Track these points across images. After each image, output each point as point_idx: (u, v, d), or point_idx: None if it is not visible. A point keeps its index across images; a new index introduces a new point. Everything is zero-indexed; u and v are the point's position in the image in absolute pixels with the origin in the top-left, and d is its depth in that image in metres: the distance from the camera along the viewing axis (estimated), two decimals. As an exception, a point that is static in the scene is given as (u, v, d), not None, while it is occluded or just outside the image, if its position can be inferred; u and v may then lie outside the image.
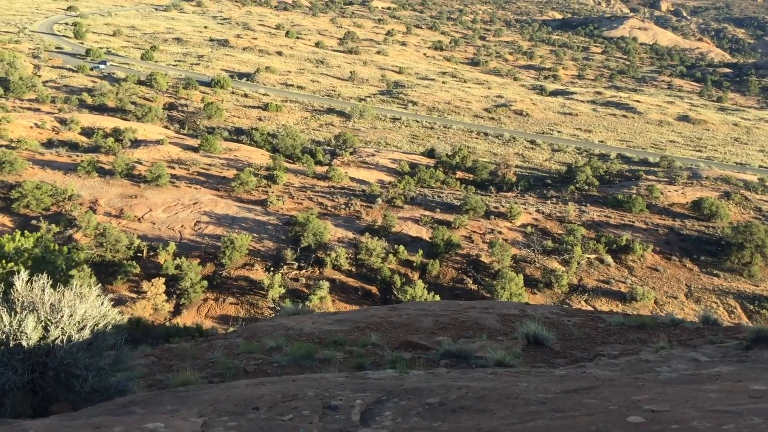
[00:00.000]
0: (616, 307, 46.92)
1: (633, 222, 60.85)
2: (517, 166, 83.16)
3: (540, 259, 51.96)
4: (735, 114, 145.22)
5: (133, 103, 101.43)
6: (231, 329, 35.64)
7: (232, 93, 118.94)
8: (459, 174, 77.66)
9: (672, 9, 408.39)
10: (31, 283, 8.66)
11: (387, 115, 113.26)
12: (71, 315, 8.43)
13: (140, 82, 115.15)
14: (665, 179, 76.19)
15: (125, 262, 45.68)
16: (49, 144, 73.63)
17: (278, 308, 42.38)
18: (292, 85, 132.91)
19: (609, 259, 53.17)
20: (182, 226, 52.74)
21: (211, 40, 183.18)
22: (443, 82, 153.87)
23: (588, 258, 52.76)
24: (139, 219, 53.50)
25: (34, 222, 50.61)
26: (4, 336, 8.17)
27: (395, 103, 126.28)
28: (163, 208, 55.56)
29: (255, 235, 51.44)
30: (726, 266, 53.94)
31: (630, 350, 11.28)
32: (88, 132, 79.93)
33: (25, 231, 20.00)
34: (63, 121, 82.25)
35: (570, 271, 50.23)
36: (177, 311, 42.22)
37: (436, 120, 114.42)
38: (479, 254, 51.48)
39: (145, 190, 58.96)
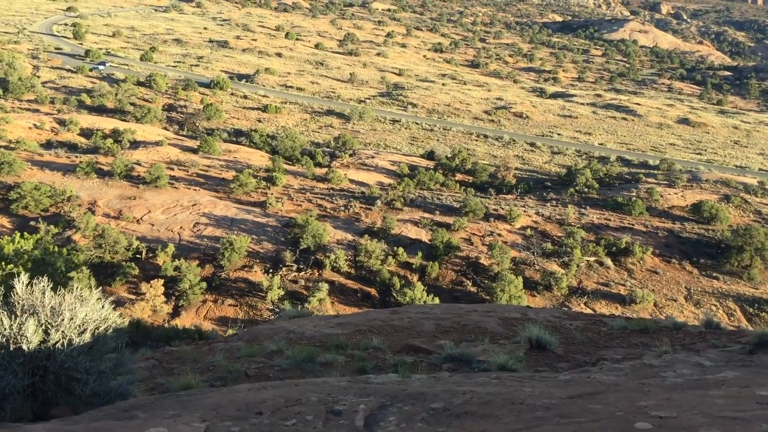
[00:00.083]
0: (615, 309, 46.89)
1: (633, 225, 60.83)
2: (516, 169, 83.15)
3: (539, 261, 51.93)
4: (735, 117, 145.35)
5: (132, 104, 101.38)
6: (230, 331, 35.60)
7: (232, 94, 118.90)
8: (458, 176, 77.64)
9: (672, 12, 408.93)
10: (32, 286, 8.59)
11: (387, 117, 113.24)
12: (72, 318, 8.36)
13: (139, 83, 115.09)
14: (665, 182, 76.19)
15: (124, 263, 45.62)
16: (48, 145, 73.56)
17: (277, 310, 42.34)
18: (291, 87, 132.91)
19: (608, 261, 53.14)
20: (181, 227, 52.68)
21: (211, 41, 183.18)
22: (443, 84, 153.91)
23: (587, 260, 52.73)
24: (138, 220, 53.44)
25: (32, 223, 50.53)
26: (4, 339, 8.10)
27: (395, 105, 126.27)
28: (162, 210, 55.50)
29: (254, 236, 51.38)
30: (726, 269, 53.91)
31: (633, 354, 11.21)
32: (87, 133, 79.87)
33: (25, 233, 19.93)
34: (62, 122, 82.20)
35: (569, 273, 50.20)
36: (176, 313, 42.16)
37: (435, 122, 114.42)
38: (479, 256, 51.44)
39: (144, 191, 58.90)
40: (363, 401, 6.55)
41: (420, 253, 50.45)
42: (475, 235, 55.45)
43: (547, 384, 6.98)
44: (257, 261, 48.54)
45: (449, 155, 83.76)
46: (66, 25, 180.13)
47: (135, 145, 75.45)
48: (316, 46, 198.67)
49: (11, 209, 52.59)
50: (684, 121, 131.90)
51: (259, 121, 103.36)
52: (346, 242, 51.96)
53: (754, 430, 4.88)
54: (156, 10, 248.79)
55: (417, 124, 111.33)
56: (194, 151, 75.10)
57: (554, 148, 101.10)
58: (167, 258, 46.83)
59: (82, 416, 6.87)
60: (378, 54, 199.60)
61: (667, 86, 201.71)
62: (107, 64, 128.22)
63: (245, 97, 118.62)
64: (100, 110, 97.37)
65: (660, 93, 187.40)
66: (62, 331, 8.32)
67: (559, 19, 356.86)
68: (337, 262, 47.98)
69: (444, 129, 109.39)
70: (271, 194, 61.41)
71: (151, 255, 47.92)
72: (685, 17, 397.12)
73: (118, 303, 40.78)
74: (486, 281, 47.27)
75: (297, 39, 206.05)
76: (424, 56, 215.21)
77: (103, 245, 46.21)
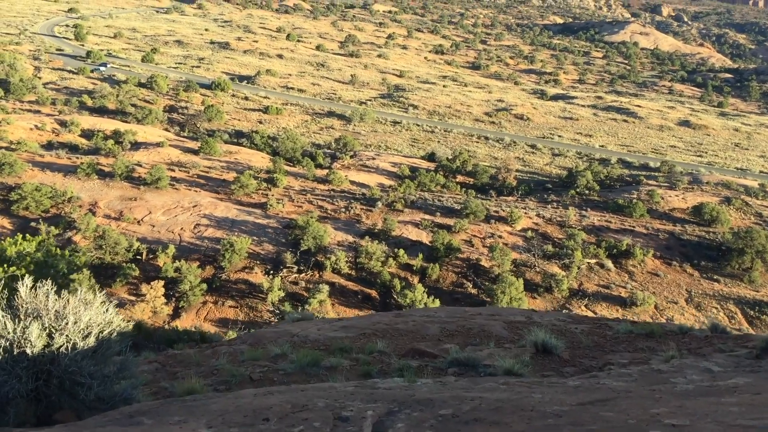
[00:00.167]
0: (616, 312, 46.85)
1: (633, 227, 60.77)
2: (517, 171, 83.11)
3: (540, 263, 51.88)
4: (736, 119, 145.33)
5: (133, 105, 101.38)
6: (230, 333, 35.57)
7: (233, 96, 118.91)
8: (459, 178, 77.60)
9: (673, 14, 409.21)
10: (35, 289, 8.53)
11: (387, 119, 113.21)
12: (76, 322, 8.29)
13: (141, 85, 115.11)
14: (666, 184, 76.13)
15: (124, 264, 45.58)
16: (48, 146, 73.52)
17: (277, 311, 42.30)
18: (292, 88, 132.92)
19: (609, 263, 53.09)
20: (182, 228, 52.64)
21: (212, 42, 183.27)
22: (444, 86, 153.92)
23: (588, 263, 52.67)
24: (138, 221, 53.41)
25: (33, 224, 50.51)
26: (7, 343, 8.03)
27: (396, 107, 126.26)
28: (162, 211, 55.47)
29: (255, 238, 51.33)
30: (726, 272, 53.85)
31: (639, 359, 11.14)
32: (88, 134, 79.85)
33: (27, 235, 19.87)
34: (63, 123, 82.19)
35: (570, 275, 50.15)
36: (176, 314, 42.12)
37: (436, 124, 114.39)
38: (479, 258, 51.39)
39: (145, 192, 58.86)
40: (371, 407, 6.47)
41: (421, 255, 50.40)
42: (476, 237, 55.41)
43: (556, 390, 6.90)
44: (258, 262, 48.49)
45: (450, 157, 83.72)
46: (67, 26, 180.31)
47: (136, 146, 75.42)
48: (317, 47, 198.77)
49: (12, 210, 52.57)
50: (685, 123, 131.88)
51: (260, 122, 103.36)
52: (346, 244, 51.92)
53: (769, 440, 4.82)
54: (157, 12, 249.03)
55: (418, 125, 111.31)
56: (195, 152, 75.08)
57: (555, 150, 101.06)
58: (168, 259, 46.79)
59: (87, 422, 6.81)
60: (379, 56, 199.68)
61: (667, 88, 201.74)
62: (108, 66, 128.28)
63: (246, 98, 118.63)
64: (101, 111, 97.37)
65: (661, 95, 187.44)
66: (66, 335, 8.25)
67: (560, 21, 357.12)
68: (338, 263, 47.93)
69: (445, 131, 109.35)
70: (272, 195, 61.36)
71: (151, 256, 47.88)
72: (685, 19, 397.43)
73: (119, 304, 40.74)
74: (487, 283, 47.22)
75: (298, 40, 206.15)
76: (425, 58, 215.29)
77: (104, 246, 46.17)
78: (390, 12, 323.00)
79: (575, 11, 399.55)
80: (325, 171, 72.48)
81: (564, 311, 45.52)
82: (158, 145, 75.96)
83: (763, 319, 47.78)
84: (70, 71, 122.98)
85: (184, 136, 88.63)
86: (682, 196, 69.63)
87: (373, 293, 46.42)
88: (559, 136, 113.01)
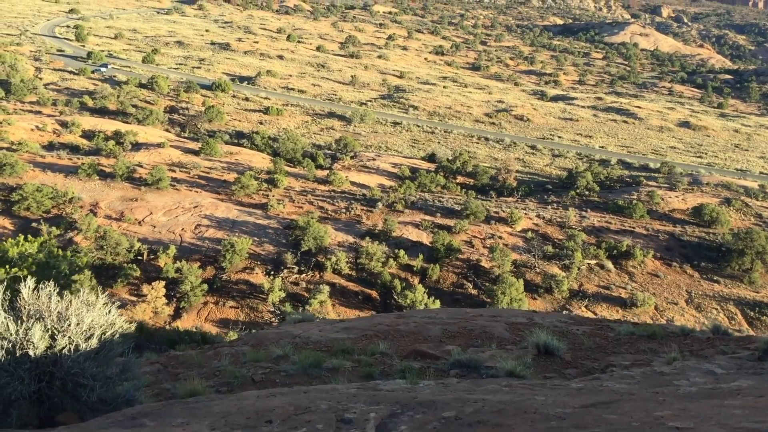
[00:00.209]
0: (616, 313, 46.85)
1: (633, 228, 60.78)
2: (517, 171, 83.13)
3: (540, 264, 51.89)
4: (736, 120, 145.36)
5: (134, 106, 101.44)
6: (231, 333, 35.56)
7: (233, 96, 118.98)
8: (459, 179, 77.62)
9: (673, 15, 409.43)
10: (38, 291, 8.52)
11: (388, 120, 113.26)
12: (79, 324, 8.28)
13: (141, 85, 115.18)
14: (666, 185, 76.12)
15: (125, 265, 45.58)
16: (49, 146, 73.55)
17: (278, 312, 42.31)
18: (293, 89, 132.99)
19: (609, 264, 53.09)
20: (183, 229, 52.66)
21: (213, 43, 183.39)
22: (444, 87, 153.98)
23: (588, 263, 52.68)
24: (139, 222, 53.43)
25: (34, 225, 50.52)
26: (10, 345, 8.01)
27: (396, 108, 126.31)
28: (163, 212, 55.49)
29: (255, 238, 51.33)
30: (726, 273, 53.84)
31: (641, 360, 11.12)
32: (89, 135, 79.89)
33: (29, 236, 19.86)
34: (64, 124, 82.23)
35: (570, 276, 50.14)
36: (177, 314, 42.12)
37: (436, 125, 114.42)
38: (479, 259, 51.39)
39: (146, 193, 58.88)
40: (373, 409, 6.47)
41: (421, 256, 50.41)
42: (476, 238, 55.42)
43: (559, 392, 6.90)
44: (258, 263, 48.50)
45: (450, 158, 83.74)
46: (68, 27, 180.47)
47: (137, 147, 75.45)
48: (318, 48, 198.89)
49: (13, 211, 52.58)
50: (685, 124, 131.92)
51: (261, 123, 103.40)
52: (347, 244, 51.93)
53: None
54: (158, 13, 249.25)
55: (418, 126, 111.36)
56: (196, 153, 75.11)
57: (555, 151, 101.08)
58: (168, 260, 46.80)
59: (89, 423, 6.81)
60: (379, 56, 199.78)
61: (667, 89, 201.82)
62: (109, 66, 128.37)
63: (247, 99, 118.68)
64: (102, 112, 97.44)
65: (661, 96, 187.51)
66: (69, 337, 8.23)
67: (560, 22, 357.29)
68: (338, 264, 47.93)
69: (445, 131, 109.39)
70: (273, 196, 61.38)
71: (152, 257, 47.89)
72: (685, 20, 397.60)
73: (120, 305, 40.72)
74: (487, 284, 47.23)
75: (298, 41, 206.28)
76: (425, 59, 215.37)
77: (105, 247, 46.19)
78: (390, 13, 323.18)
79: (575, 12, 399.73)
80: (326, 172, 72.50)
81: (565, 312, 45.57)
82: (159, 145, 75.99)
83: (763, 320, 47.77)
84: (70, 72, 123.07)
85: (184, 137, 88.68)
86: (682, 197, 69.63)
87: (374, 294, 46.42)
88: (559, 137, 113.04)
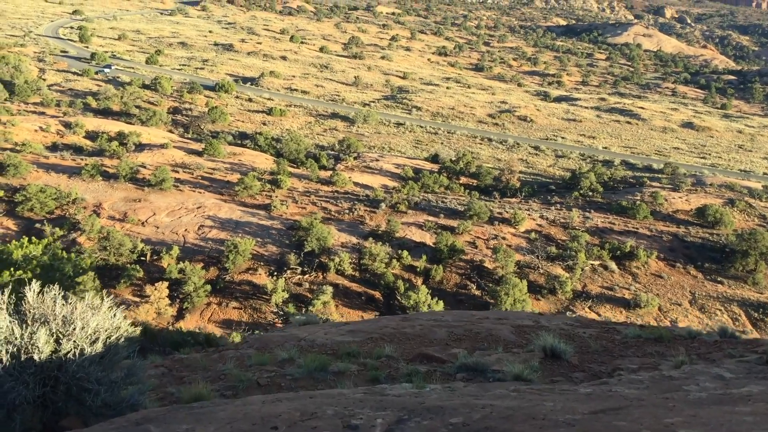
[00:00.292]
0: (620, 313, 46.76)
1: (637, 228, 60.65)
2: (521, 172, 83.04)
3: (544, 265, 51.80)
4: (739, 121, 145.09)
5: (137, 107, 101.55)
6: (235, 334, 35.56)
7: (237, 97, 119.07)
8: (463, 179, 77.54)
9: (676, 16, 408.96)
10: (43, 294, 8.47)
11: (391, 121, 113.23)
12: (84, 328, 8.23)
13: (145, 86, 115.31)
14: (669, 186, 75.97)
15: (129, 265, 45.59)
16: (53, 147, 73.63)
17: (281, 313, 42.29)
18: (296, 90, 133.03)
19: (613, 265, 52.98)
20: (186, 230, 52.68)
21: (216, 44, 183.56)
22: (447, 88, 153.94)
23: (592, 264, 52.58)
24: (142, 223, 53.46)
25: (38, 225, 50.57)
26: (15, 349, 7.96)
27: (399, 109, 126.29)
28: (166, 212, 55.52)
29: (258, 239, 51.32)
30: (730, 273, 53.69)
31: (648, 364, 11.04)
32: (92, 136, 79.97)
33: (33, 238, 19.85)
34: (67, 125, 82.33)
35: (574, 277, 50.04)
36: (180, 315, 42.11)
37: (440, 125, 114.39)
38: (483, 260, 51.32)
39: (149, 193, 58.92)
40: (380, 415, 6.40)
41: (424, 257, 50.35)
42: (480, 239, 55.35)
43: (567, 398, 6.83)
44: (262, 264, 48.48)
45: (453, 158, 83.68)
46: (72, 28, 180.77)
47: (140, 147, 75.52)
48: (321, 49, 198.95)
49: (17, 211, 52.64)
50: (688, 125, 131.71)
51: (264, 124, 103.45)
52: (350, 245, 51.89)
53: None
54: (161, 14, 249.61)
55: (421, 127, 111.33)
56: (199, 153, 75.16)
57: (558, 152, 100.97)
58: (172, 260, 46.80)
59: (93, 429, 6.76)
60: (382, 57, 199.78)
61: (671, 90, 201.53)
62: (113, 67, 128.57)
63: (250, 100, 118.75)
64: (105, 113, 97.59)
65: (664, 97, 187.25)
66: (74, 341, 8.17)
67: (563, 23, 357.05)
68: (342, 265, 47.89)
69: (448, 132, 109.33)
70: (276, 197, 61.37)
71: (155, 257, 47.90)
72: (689, 21, 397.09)
73: (123, 305, 40.74)
74: (490, 285, 47.13)
75: (302, 42, 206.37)
76: (429, 59, 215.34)
77: (108, 247, 46.21)
78: (393, 14, 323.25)
79: (578, 13, 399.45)
80: (329, 172, 72.49)
81: (570, 313, 45.48)
82: (162, 146, 76.04)
83: (767, 321, 47.65)
84: (74, 73, 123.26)
85: (188, 138, 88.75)
86: (685, 198, 69.49)
87: (377, 294, 46.37)
88: (563, 138, 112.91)
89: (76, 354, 8.24)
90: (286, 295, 43.94)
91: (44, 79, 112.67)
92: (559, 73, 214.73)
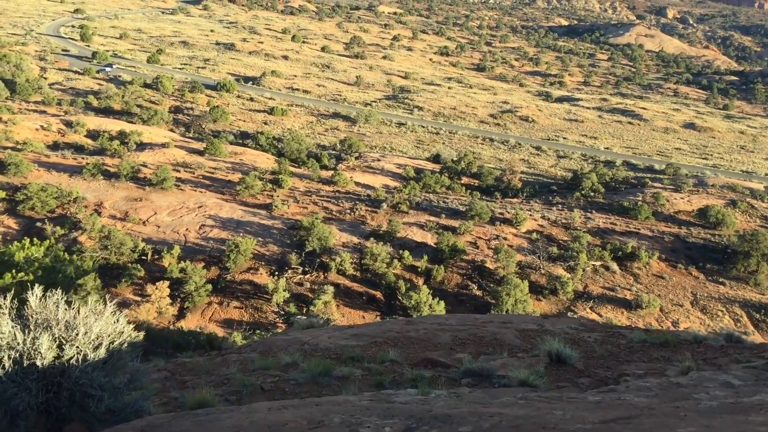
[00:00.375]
0: (621, 314, 46.69)
1: (639, 229, 60.58)
2: (522, 172, 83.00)
3: (545, 265, 51.74)
4: (741, 122, 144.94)
5: (138, 106, 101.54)
6: (236, 334, 35.53)
7: (238, 97, 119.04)
8: (464, 180, 77.49)
9: (678, 16, 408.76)
10: (45, 299, 8.39)
11: (392, 120, 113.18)
12: (86, 333, 8.15)
13: (146, 85, 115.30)
14: (671, 187, 75.89)
15: (130, 265, 45.59)
16: (54, 146, 73.63)
17: (282, 312, 42.28)
18: (297, 90, 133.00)
19: (614, 266, 52.92)
20: (187, 229, 52.66)
21: (218, 43, 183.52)
22: (449, 88, 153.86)
23: (593, 265, 52.52)
24: (143, 222, 53.45)
25: (39, 224, 50.59)
26: (17, 355, 7.90)
27: (401, 108, 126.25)
28: (168, 212, 55.50)
29: (260, 239, 51.30)
30: (732, 274, 53.62)
31: (655, 369, 10.96)
32: (93, 135, 79.97)
33: (35, 239, 19.78)
34: (69, 124, 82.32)
35: (575, 277, 49.99)
36: (181, 314, 42.10)
37: (441, 125, 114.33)
38: (484, 260, 51.27)
39: (150, 193, 58.91)
40: (387, 423, 6.32)
41: (425, 257, 50.32)
42: (481, 239, 55.30)
43: (577, 406, 6.76)
44: (263, 263, 48.45)
45: (455, 158, 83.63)
46: (73, 27, 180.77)
47: (141, 146, 75.50)
48: (323, 49, 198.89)
49: (18, 210, 52.63)
50: (690, 125, 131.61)
51: (266, 123, 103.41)
52: (351, 245, 51.86)
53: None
54: (163, 13, 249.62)
55: (423, 127, 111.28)
56: (200, 153, 75.15)
57: (560, 152, 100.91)
58: (173, 260, 46.78)
59: (97, 436, 6.71)
60: (384, 57, 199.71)
61: (673, 91, 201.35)
62: (114, 66, 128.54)
63: (251, 99, 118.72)
64: (106, 112, 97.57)
65: (666, 97, 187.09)
66: (77, 346, 8.09)
67: (565, 23, 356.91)
68: (343, 264, 47.86)
69: (450, 132, 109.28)
70: (277, 197, 61.35)
71: (156, 257, 47.88)
72: (691, 22, 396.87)
73: (124, 304, 40.75)
74: (491, 285, 47.08)
75: (303, 42, 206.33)
76: (430, 59, 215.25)
77: (109, 247, 46.20)
78: (395, 13, 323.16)
79: (580, 13, 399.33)
80: (330, 172, 72.46)
81: (571, 313, 45.43)
82: (163, 145, 76.02)
83: (769, 323, 47.56)
84: (75, 72, 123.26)
85: (189, 137, 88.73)
86: (687, 199, 69.41)
87: (378, 294, 46.33)
88: (564, 138, 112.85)
89: (79, 360, 8.18)
90: (287, 295, 43.91)
91: (45, 78, 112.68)
92: (561, 73, 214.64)
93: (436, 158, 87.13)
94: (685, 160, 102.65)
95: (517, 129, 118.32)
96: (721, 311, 48.39)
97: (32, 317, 8.29)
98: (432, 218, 58.64)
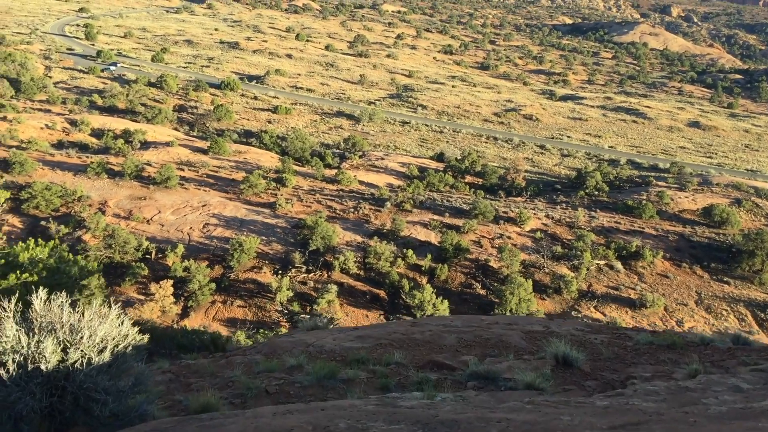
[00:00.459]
0: (625, 313, 46.63)
1: (643, 228, 60.47)
2: (526, 171, 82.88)
3: (549, 264, 51.68)
4: (746, 120, 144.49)
5: (143, 104, 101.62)
6: (239, 333, 35.55)
7: (242, 95, 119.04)
8: (468, 178, 77.45)
9: (683, 15, 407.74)
10: (50, 302, 8.33)
11: (396, 119, 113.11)
12: (91, 336, 8.11)
13: (150, 84, 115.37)
14: (675, 185, 75.73)
15: (133, 263, 45.65)
16: (59, 145, 73.76)
17: (286, 311, 42.30)
18: (301, 88, 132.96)
19: (618, 265, 52.84)
20: (191, 228, 52.70)
21: (222, 42, 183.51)
22: (453, 86, 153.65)
23: (597, 264, 52.45)
24: (147, 221, 53.51)
25: (43, 223, 50.69)
26: (22, 358, 7.84)
27: (405, 107, 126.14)
28: (172, 210, 55.55)
29: (263, 237, 51.33)
30: (737, 273, 53.49)
31: (662, 372, 10.87)
32: (98, 133, 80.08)
33: (39, 239, 19.76)
34: (73, 123, 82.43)
35: (579, 276, 49.93)
36: (185, 313, 42.16)
37: (445, 124, 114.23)
38: (488, 259, 51.24)
39: (154, 191, 58.98)
40: (394, 429, 6.24)
41: (429, 255, 50.30)
42: (485, 238, 55.25)
43: (585, 411, 6.69)
44: (266, 262, 48.48)
45: (459, 157, 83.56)
46: (78, 25, 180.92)
47: (145, 145, 75.59)
48: (326, 47, 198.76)
49: (22, 209, 52.74)
50: (694, 124, 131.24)
51: (269, 122, 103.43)
52: (355, 244, 51.85)
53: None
54: (167, 11, 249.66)
55: (427, 125, 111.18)
56: (204, 151, 75.19)
57: (564, 151, 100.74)
58: (177, 258, 46.83)
59: (101, 441, 6.67)
60: (388, 56, 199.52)
61: (677, 89, 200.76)
62: (118, 65, 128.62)
63: (255, 98, 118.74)
64: (111, 111, 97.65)
65: (670, 96, 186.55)
66: (81, 350, 8.04)
67: (569, 21, 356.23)
68: (346, 263, 47.86)
69: (454, 131, 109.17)
70: (281, 195, 61.37)
71: (160, 255, 47.94)
72: (695, 20, 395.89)
73: (128, 303, 40.84)
74: (495, 284, 47.06)
75: (307, 40, 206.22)
76: (434, 58, 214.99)
77: (113, 245, 46.28)
78: (399, 12, 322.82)
79: (584, 12, 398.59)
80: (334, 171, 72.44)
81: (576, 314, 45.38)
82: (168, 144, 76.09)
83: (774, 322, 47.42)
84: (80, 70, 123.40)
85: (193, 136, 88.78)
86: (691, 198, 69.25)
87: (382, 293, 46.33)
88: (568, 137, 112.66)
89: (84, 363, 8.14)
90: (291, 294, 43.96)
91: (50, 77, 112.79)
92: (565, 71, 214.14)
93: (439, 157, 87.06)
94: (690, 158, 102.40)
95: (521, 128, 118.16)
96: (726, 310, 48.28)
97: (37, 320, 8.23)
98: (436, 217, 58.60)
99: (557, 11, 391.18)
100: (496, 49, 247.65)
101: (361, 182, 69.75)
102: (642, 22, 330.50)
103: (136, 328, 8.82)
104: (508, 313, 41.82)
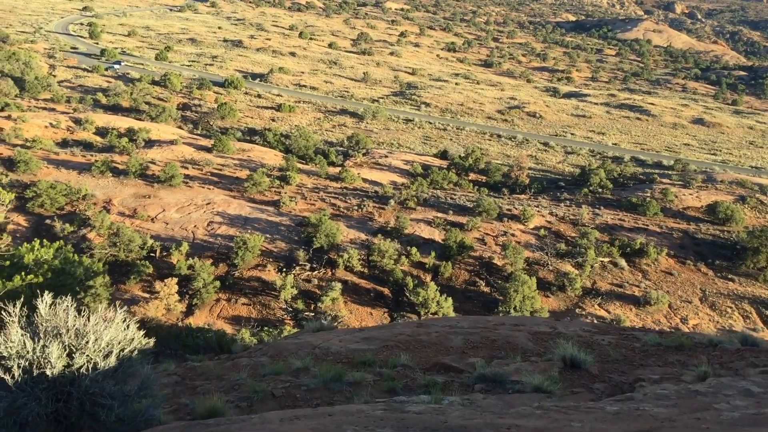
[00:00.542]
0: (629, 311, 46.56)
1: (647, 225, 60.36)
2: (530, 168, 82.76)
3: (553, 262, 51.62)
4: (750, 117, 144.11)
5: (147, 103, 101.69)
6: (244, 331, 35.60)
7: (246, 93, 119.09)
8: (472, 176, 77.37)
9: (687, 11, 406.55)
10: (55, 306, 8.27)
11: (400, 117, 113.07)
12: (96, 341, 8.07)
13: (154, 83, 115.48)
14: (680, 182, 75.58)
15: (138, 261, 45.71)
16: (63, 144, 73.86)
17: (290, 309, 42.33)
18: (305, 86, 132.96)
19: (623, 262, 52.75)
20: (195, 226, 52.75)
21: (225, 40, 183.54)
22: (456, 84, 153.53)
23: (601, 261, 52.37)
24: (152, 219, 53.57)
25: (48, 221, 50.79)
26: (27, 364, 7.82)
27: (408, 105, 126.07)
28: (176, 208, 55.61)
29: (267, 235, 51.36)
30: (741, 271, 53.37)
31: (670, 374, 10.78)
32: (102, 132, 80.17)
33: (44, 240, 19.76)
34: (77, 121, 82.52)
35: (583, 274, 49.85)
36: (189, 311, 42.19)
37: (449, 121, 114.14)
38: (492, 257, 51.19)
39: (159, 190, 59.03)
40: (402, 435, 6.22)
41: (433, 253, 50.27)
42: (489, 235, 55.20)
43: (595, 417, 6.62)
44: (270, 260, 48.50)
45: (462, 155, 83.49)
46: (82, 24, 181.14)
47: (150, 144, 75.66)
48: (330, 45, 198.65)
49: (27, 207, 52.84)
50: (698, 121, 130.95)
51: (273, 120, 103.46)
52: (359, 241, 51.86)
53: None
54: (171, 10, 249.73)
55: (430, 123, 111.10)
56: (208, 150, 75.22)
57: (568, 148, 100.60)
58: (181, 257, 46.89)
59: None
60: (391, 53, 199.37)
61: (681, 86, 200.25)
62: (122, 64, 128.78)
63: (259, 96, 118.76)
64: (115, 109, 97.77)
65: (674, 93, 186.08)
66: (87, 355, 7.99)
67: (572, 18, 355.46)
68: (351, 261, 47.87)
69: (457, 128, 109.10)
70: (285, 193, 61.39)
71: (165, 253, 48.00)
72: (699, 17, 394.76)
73: (133, 301, 40.92)
74: (499, 282, 47.00)
75: (311, 38, 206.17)
76: (438, 55, 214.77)
77: (118, 244, 46.34)
78: (402, 10, 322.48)
79: (588, 9, 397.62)
80: (338, 169, 72.43)
81: (580, 311, 45.33)
82: (172, 142, 76.15)
83: (779, 320, 47.32)
84: (84, 69, 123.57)
85: (197, 134, 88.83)
86: (696, 195, 69.11)
87: (386, 291, 46.32)
88: (572, 134, 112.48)
89: (90, 368, 8.13)
90: (295, 292, 43.98)
91: (54, 76, 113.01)
92: (569, 69, 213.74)
93: (443, 154, 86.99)
94: (694, 155, 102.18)
95: (524, 125, 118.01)
96: (730, 308, 48.18)
97: (42, 325, 8.17)
98: (440, 215, 58.57)
99: (560, 8, 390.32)
100: (500, 47, 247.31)
101: (364, 180, 69.73)
102: (646, 19, 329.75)
103: (142, 332, 8.78)
104: (512, 311, 41.79)
